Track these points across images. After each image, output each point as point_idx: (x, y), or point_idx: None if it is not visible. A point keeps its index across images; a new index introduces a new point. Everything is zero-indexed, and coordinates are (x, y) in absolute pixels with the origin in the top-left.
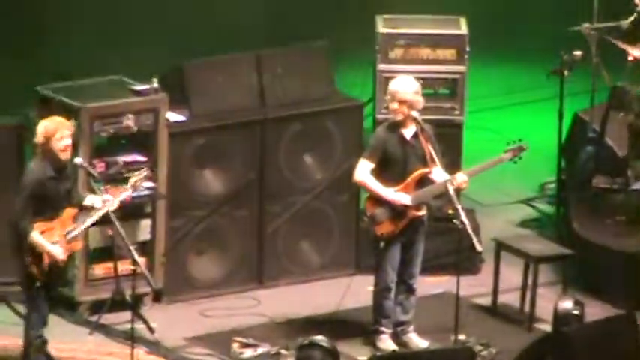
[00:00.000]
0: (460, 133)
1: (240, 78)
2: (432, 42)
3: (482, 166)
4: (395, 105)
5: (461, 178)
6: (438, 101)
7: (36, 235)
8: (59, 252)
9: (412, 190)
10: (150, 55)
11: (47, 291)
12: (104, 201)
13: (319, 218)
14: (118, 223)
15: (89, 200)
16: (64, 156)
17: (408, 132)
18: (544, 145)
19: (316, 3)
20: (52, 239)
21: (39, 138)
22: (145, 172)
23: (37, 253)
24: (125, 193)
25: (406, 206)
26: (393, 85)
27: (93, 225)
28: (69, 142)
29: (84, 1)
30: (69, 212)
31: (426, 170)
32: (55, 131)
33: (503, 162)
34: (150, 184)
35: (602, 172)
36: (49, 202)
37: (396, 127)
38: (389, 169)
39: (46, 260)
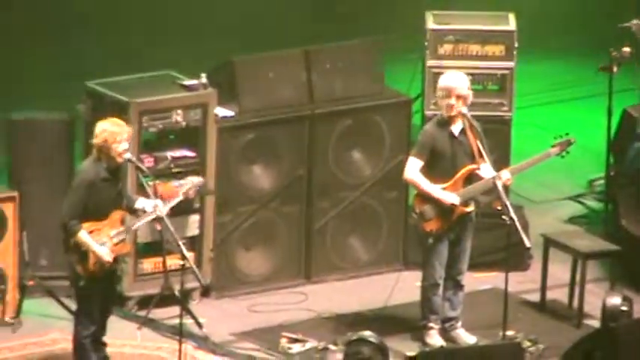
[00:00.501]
0: (508, 130)
1: (289, 74)
2: (481, 38)
3: (530, 162)
4: (452, 101)
5: (505, 175)
6: (487, 97)
7: (83, 235)
8: (105, 253)
9: (460, 186)
10: (199, 51)
11: (99, 291)
12: (154, 206)
13: (367, 214)
14: (166, 219)
15: (140, 203)
16: (120, 159)
17: (456, 128)
18: (593, 141)
19: None
20: (99, 240)
21: (97, 139)
22: (198, 181)
23: (82, 252)
24: (176, 199)
25: (453, 204)
26: (448, 81)
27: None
28: (126, 145)
29: None
30: (118, 214)
31: (474, 166)
32: (115, 135)
33: (551, 156)
34: (198, 180)
35: None
36: (100, 203)
37: (444, 123)
38: (437, 166)
39: (92, 260)
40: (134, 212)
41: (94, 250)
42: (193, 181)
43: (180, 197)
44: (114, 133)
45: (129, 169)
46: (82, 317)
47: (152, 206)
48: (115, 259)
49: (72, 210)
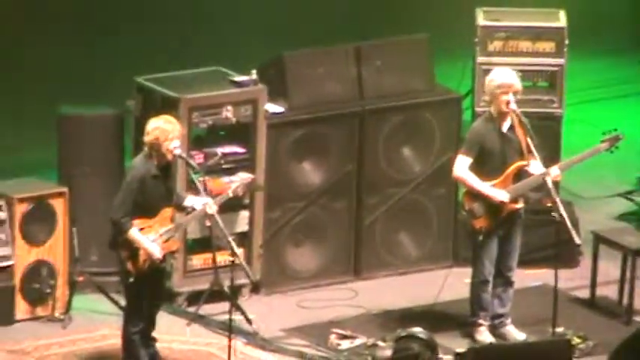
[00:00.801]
0: (559, 126)
1: (339, 70)
2: (532, 34)
3: (579, 157)
4: (509, 97)
5: (554, 172)
6: (537, 94)
7: (135, 232)
8: (156, 250)
9: (510, 182)
10: (249, 47)
11: (148, 287)
12: (204, 204)
13: (417, 210)
14: (216, 215)
15: (189, 201)
16: (171, 157)
17: (505, 125)
18: None
19: None
20: (149, 237)
21: (148, 137)
22: (248, 178)
23: (133, 249)
24: (224, 197)
25: (504, 201)
26: (507, 78)
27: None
28: (177, 143)
29: None
30: (168, 211)
31: (524, 163)
32: (167, 133)
33: (600, 152)
34: (248, 176)
35: None
36: (150, 200)
37: (492, 120)
38: (487, 163)
39: (142, 257)
40: (183, 210)
41: (145, 247)
42: (243, 178)
43: (230, 195)
44: (165, 130)
45: (179, 166)
46: (131, 314)
47: (202, 204)
48: (165, 256)
49: (123, 207)
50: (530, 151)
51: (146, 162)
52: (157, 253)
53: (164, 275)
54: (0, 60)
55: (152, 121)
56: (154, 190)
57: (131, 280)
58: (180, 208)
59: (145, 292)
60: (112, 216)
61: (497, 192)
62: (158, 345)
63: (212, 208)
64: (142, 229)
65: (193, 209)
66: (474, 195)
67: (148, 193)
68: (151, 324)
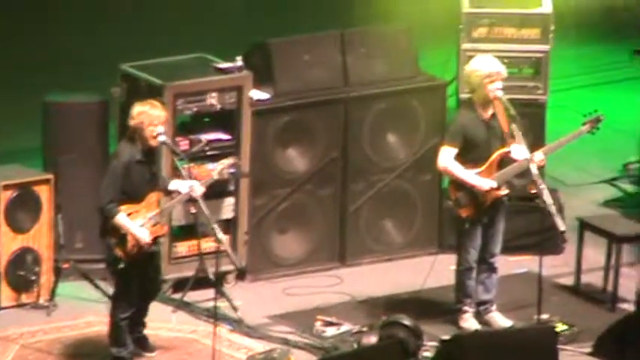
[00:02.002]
0: (543, 113)
1: (324, 56)
2: (517, 21)
3: (562, 141)
4: (497, 84)
5: (538, 157)
6: (522, 80)
7: (122, 217)
8: (144, 235)
9: (495, 170)
10: (233, 33)
11: (138, 273)
12: (190, 187)
13: (402, 197)
14: (201, 201)
15: (174, 185)
16: (155, 142)
17: (488, 112)
18: (628, 124)
19: None
20: (137, 222)
21: (133, 121)
22: (232, 160)
23: (121, 235)
24: (210, 180)
25: (489, 189)
26: (495, 66)
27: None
28: (162, 129)
29: None
30: (154, 196)
31: (506, 150)
32: (152, 118)
33: (582, 134)
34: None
35: None
36: (136, 185)
37: (474, 108)
38: (471, 151)
39: (130, 242)
40: (169, 194)
41: (133, 232)
42: (228, 161)
43: (215, 177)
44: (150, 115)
45: (163, 153)
46: (120, 300)
47: (187, 187)
48: (154, 241)
49: (109, 193)
50: (513, 137)
51: (130, 147)
52: (146, 237)
53: (156, 260)
54: None
55: (137, 105)
56: (139, 175)
57: (121, 265)
58: (166, 192)
59: (134, 279)
60: (99, 203)
61: (483, 180)
62: (144, 332)
63: (198, 190)
64: (129, 214)
65: (179, 193)
66: (459, 184)
67: (134, 179)
68: (144, 310)
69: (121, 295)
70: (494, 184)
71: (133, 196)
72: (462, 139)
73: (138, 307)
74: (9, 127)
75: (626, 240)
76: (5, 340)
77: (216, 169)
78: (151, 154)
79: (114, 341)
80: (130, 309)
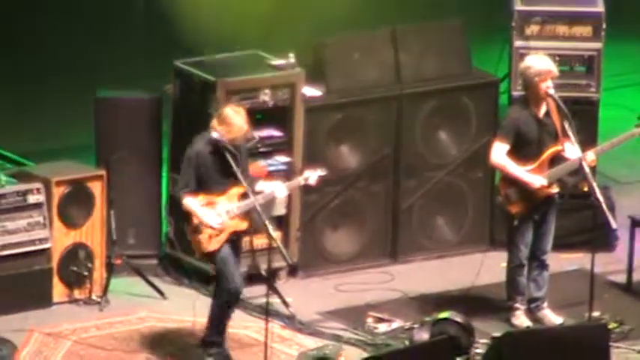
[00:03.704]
0: (596, 111)
1: (376, 54)
2: (569, 19)
3: (614, 142)
4: (548, 83)
5: (590, 156)
6: (574, 78)
7: (189, 201)
8: (211, 219)
9: (546, 167)
10: (288, 31)
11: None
12: (273, 188)
13: (454, 194)
14: (255, 200)
15: (260, 185)
16: (240, 141)
17: (541, 110)
18: None
19: None
20: (213, 211)
21: (219, 126)
22: (321, 173)
23: (195, 224)
24: (295, 183)
25: (540, 186)
26: (547, 64)
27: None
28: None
29: None
30: (236, 190)
31: (559, 148)
32: (237, 133)
33: (635, 136)
34: (285, 159)
35: None
36: (212, 176)
37: (528, 105)
38: (523, 148)
39: (204, 233)
40: (256, 193)
41: (199, 215)
42: (316, 171)
43: (301, 182)
44: (235, 127)
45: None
46: (216, 285)
47: (271, 188)
48: (236, 234)
49: (181, 180)
50: (566, 136)
51: (204, 139)
52: (212, 222)
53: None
54: (38, 46)
55: (227, 110)
56: (215, 166)
57: (196, 256)
58: (253, 192)
59: (229, 259)
60: (174, 190)
61: (534, 177)
62: (196, 328)
63: (282, 192)
64: (207, 203)
65: (262, 191)
66: (510, 180)
67: (209, 169)
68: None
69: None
70: (545, 182)
71: (211, 186)
72: (514, 136)
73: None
74: (62, 124)
75: None
76: (58, 335)
77: (305, 175)
78: (238, 149)
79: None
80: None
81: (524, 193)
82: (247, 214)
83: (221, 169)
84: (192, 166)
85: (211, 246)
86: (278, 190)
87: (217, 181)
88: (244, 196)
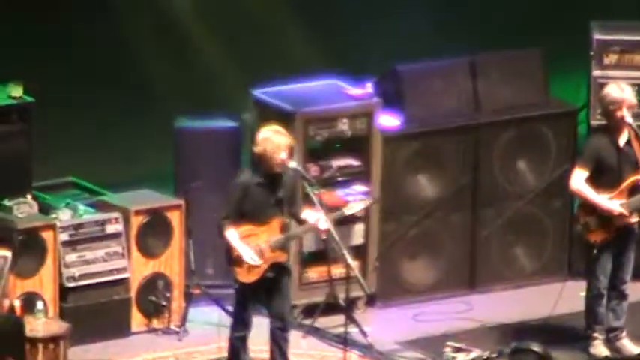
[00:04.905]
0: None
1: (454, 83)
2: None
3: None
4: (623, 112)
5: None
6: None
7: (229, 234)
8: (248, 254)
9: (625, 196)
10: (365, 58)
11: (257, 297)
12: (316, 219)
13: (532, 223)
14: (332, 227)
15: (305, 215)
16: (279, 168)
17: (622, 139)
18: None
19: (530, 9)
20: (255, 244)
21: (258, 148)
22: (369, 202)
23: (234, 254)
24: (340, 215)
25: (619, 214)
26: (620, 93)
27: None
28: (285, 156)
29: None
30: (278, 221)
31: (638, 177)
32: (276, 145)
33: None
34: (364, 189)
35: None
36: (256, 208)
37: (609, 133)
38: (603, 176)
39: (246, 265)
40: (301, 223)
41: (237, 248)
42: (364, 199)
43: (346, 214)
44: (274, 142)
45: (299, 181)
46: (235, 319)
47: (314, 219)
48: (274, 266)
49: (225, 210)
50: None
51: (252, 170)
52: (251, 257)
53: (281, 285)
54: (118, 74)
55: (262, 131)
56: (258, 197)
57: (236, 286)
58: (298, 221)
59: (251, 301)
60: (217, 220)
61: (613, 204)
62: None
63: (324, 224)
64: (248, 235)
65: (306, 221)
66: (590, 208)
67: (253, 201)
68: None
69: (235, 314)
70: (624, 210)
71: (254, 218)
72: (594, 163)
73: (271, 332)
74: (141, 153)
75: None
76: None
77: (351, 206)
78: (276, 179)
79: (230, 357)
80: (244, 329)
81: (603, 221)
82: (285, 246)
83: (264, 200)
84: (236, 196)
85: (249, 278)
86: (320, 221)
87: (258, 211)
88: (286, 227)
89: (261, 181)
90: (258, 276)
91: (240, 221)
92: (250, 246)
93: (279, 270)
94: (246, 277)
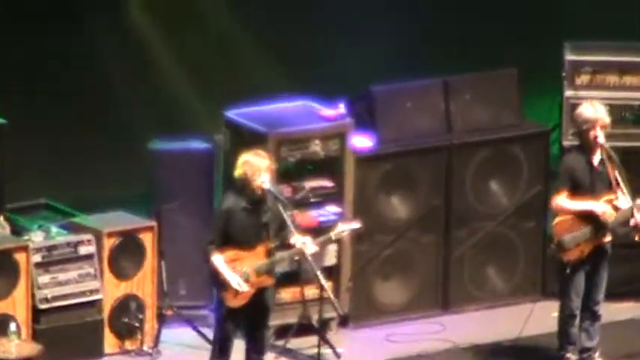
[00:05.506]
0: None
1: (427, 104)
2: (619, 68)
3: None
4: (597, 131)
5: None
6: (625, 128)
7: (216, 260)
8: (234, 280)
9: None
10: (337, 79)
11: (242, 319)
12: (302, 242)
13: (505, 244)
14: (320, 251)
15: (293, 239)
16: (259, 191)
17: (595, 158)
18: None
19: (502, 30)
20: (240, 268)
21: (239, 171)
22: (354, 226)
23: (220, 278)
24: (326, 239)
25: (593, 232)
26: (593, 112)
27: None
28: (266, 178)
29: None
30: (263, 246)
31: (612, 197)
32: (256, 168)
33: None
34: (337, 209)
35: None
36: (242, 232)
37: (583, 153)
38: (576, 195)
39: (232, 291)
40: (289, 247)
41: (224, 275)
42: (349, 225)
43: (332, 238)
44: (254, 165)
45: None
46: (213, 345)
47: (301, 242)
48: (260, 291)
49: (211, 235)
50: (618, 185)
51: (235, 195)
52: (235, 283)
53: (263, 309)
54: (91, 96)
55: (243, 155)
56: (243, 222)
57: (224, 312)
58: (286, 246)
59: (235, 329)
60: (203, 245)
61: (597, 205)
62: None
63: (310, 248)
64: (233, 260)
65: (291, 245)
66: (563, 228)
67: (238, 226)
68: (254, 351)
69: (217, 340)
70: (609, 209)
71: (240, 242)
72: (569, 182)
73: (247, 355)
74: (113, 175)
75: None
76: None
77: (337, 231)
78: (259, 203)
79: None
80: (223, 356)
81: (576, 241)
82: (271, 270)
83: (249, 225)
84: (221, 221)
85: (235, 303)
86: (307, 245)
87: (243, 236)
88: (271, 252)
89: (246, 205)
90: (245, 300)
91: (226, 246)
92: (236, 271)
93: (264, 293)
94: (232, 302)
